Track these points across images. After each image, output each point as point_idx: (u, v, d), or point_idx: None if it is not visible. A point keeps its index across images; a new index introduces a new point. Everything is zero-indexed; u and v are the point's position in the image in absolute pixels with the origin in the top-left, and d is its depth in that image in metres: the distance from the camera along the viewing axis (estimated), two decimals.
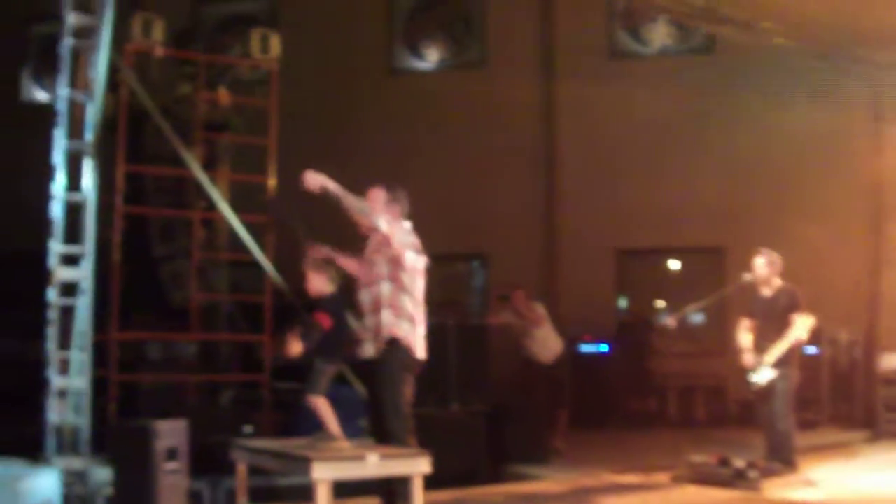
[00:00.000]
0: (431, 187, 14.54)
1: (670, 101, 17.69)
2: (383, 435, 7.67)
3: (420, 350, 7.93)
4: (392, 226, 7.72)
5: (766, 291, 10.62)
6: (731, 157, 17.64)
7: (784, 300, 10.44)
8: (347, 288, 8.22)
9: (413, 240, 7.95)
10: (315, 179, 7.53)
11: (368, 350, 7.84)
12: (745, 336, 10.66)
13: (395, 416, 7.67)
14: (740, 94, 17.40)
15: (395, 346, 7.74)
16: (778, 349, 10.22)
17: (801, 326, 10.21)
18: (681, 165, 17.77)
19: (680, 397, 17.20)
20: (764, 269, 10.59)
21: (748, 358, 10.48)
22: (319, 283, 8.18)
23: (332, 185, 7.55)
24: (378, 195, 7.97)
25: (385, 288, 7.78)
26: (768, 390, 10.35)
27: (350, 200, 7.58)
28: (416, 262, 7.89)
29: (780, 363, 10.25)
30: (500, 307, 13.42)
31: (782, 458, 10.34)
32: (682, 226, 17.61)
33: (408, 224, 8.02)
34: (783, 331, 10.27)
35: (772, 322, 10.43)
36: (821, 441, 13.66)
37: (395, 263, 7.77)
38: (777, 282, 10.59)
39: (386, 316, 7.74)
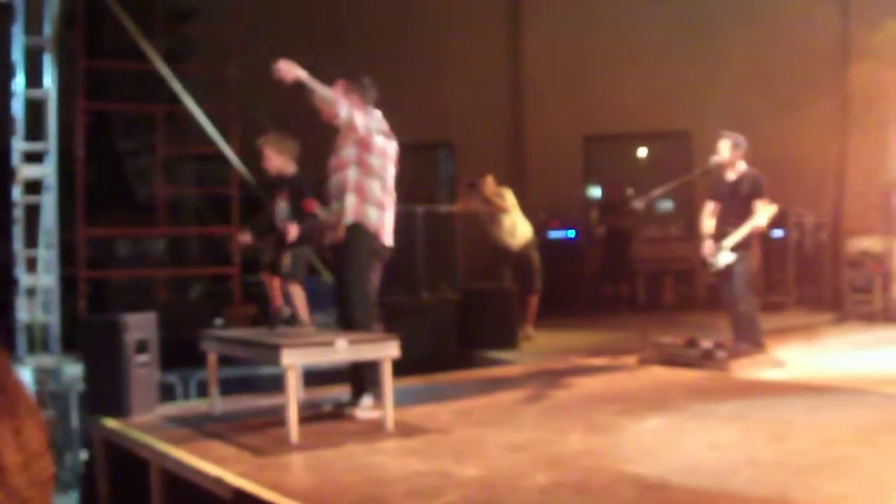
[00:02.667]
0: (396, 76, 14.41)
1: None
2: (348, 322, 7.66)
3: (388, 237, 7.86)
4: (353, 110, 7.59)
5: (731, 175, 10.60)
6: (697, 41, 17.55)
7: (747, 185, 10.43)
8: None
9: (383, 126, 7.86)
10: (288, 69, 7.30)
11: (334, 236, 7.77)
12: (708, 221, 10.68)
13: (359, 303, 7.66)
14: None
15: (359, 231, 7.68)
16: (737, 234, 10.26)
17: (762, 214, 10.24)
18: (647, 50, 17.67)
19: (648, 282, 17.32)
20: (728, 151, 10.54)
21: (707, 245, 10.52)
22: (279, 161, 8.05)
23: (303, 75, 7.36)
24: (336, 86, 7.78)
25: (351, 172, 7.69)
26: (727, 273, 10.42)
27: (320, 90, 7.42)
28: (385, 147, 7.82)
29: (738, 247, 10.30)
30: (468, 195, 13.41)
31: (750, 339, 10.44)
32: (649, 111, 17.55)
33: (377, 112, 7.90)
34: (745, 215, 10.30)
35: (734, 206, 10.44)
36: (788, 323, 13.80)
37: (362, 146, 7.68)
38: (742, 166, 10.55)
39: (350, 200, 7.66)
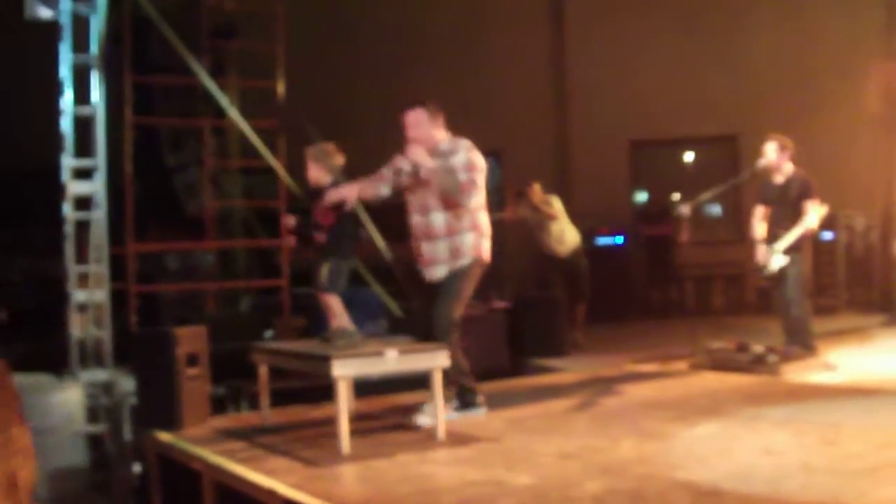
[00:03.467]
0: (442, 85, 14.43)
1: None
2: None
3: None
4: (473, 180, 7.64)
5: (779, 178, 10.50)
6: (744, 46, 17.48)
7: (796, 187, 10.31)
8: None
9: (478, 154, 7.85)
10: (425, 159, 7.53)
11: (440, 272, 7.81)
12: (758, 226, 10.58)
13: (447, 332, 7.60)
14: None
15: (478, 267, 7.86)
16: (789, 237, 10.16)
17: (813, 215, 10.13)
18: (693, 55, 17.63)
19: (698, 287, 17.23)
20: (774, 153, 10.43)
21: (760, 250, 10.44)
22: (316, 172, 7.93)
23: (430, 165, 7.54)
24: (420, 117, 7.71)
25: (465, 214, 7.72)
26: (780, 277, 10.34)
27: (446, 182, 7.56)
28: (483, 166, 7.80)
29: (790, 250, 10.21)
30: (516, 202, 13.40)
31: (801, 343, 10.36)
32: (696, 115, 17.50)
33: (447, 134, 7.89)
34: (795, 218, 10.19)
35: (784, 209, 10.33)
36: (838, 326, 13.68)
37: (471, 182, 7.66)
38: (789, 168, 10.45)
39: (469, 239, 7.75)
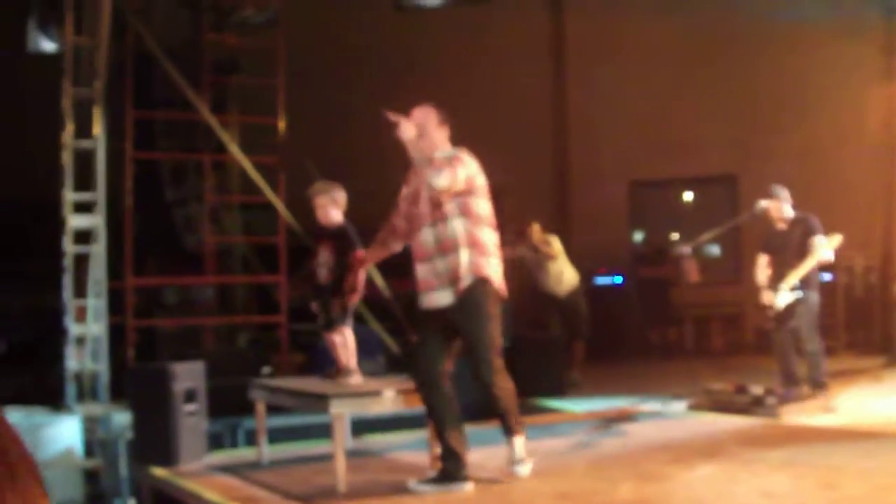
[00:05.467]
0: (451, 125, 14.42)
1: (680, 31, 17.59)
2: (486, 386, 6.96)
3: (504, 290, 7.08)
4: (456, 170, 6.78)
5: (781, 225, 10.55)
6: (741, 85, 17.53)
7: (799, 230, 10.36)
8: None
9: (476, 162, 7.08)
10: (405, 129, 6.84)
11: (442, 297, 6.89)
12: (762, 273, 10.61)
13: (490, 374, 6.87)
14: (751, 22, 17.28)
15: (485, 284, 6.85)
16: (799, 272, 10.16)
17: (827, 245, 10.12)
18: (691, 95, 17.67)
19: (696, 327, 17.22)
20: (775, 210, 10.51)
21: (766, 296, 10.44)
22: (328, 211, 7.82)
23: (411, 140, 6.86)
24: (429, 115, 7.14)
25: (457, 225, 6.84)
26: (786, 314, 10.33)
27: (419, 156, 6.87)
28: (485, 185, 7.07)
29: (800, 286, 10.20)
30: (515, 242, 13.40)
31: (814, 380, 10.37)
32: (694, 155, 17.53)
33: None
34: (802, 259, 10.21)
35: (789, 253, 10.35)
36: (838, 367, 13.64)
37: (465, 190, 6.87)
38: (790, 212, 10.50)
39: (465, 256, 6.77)
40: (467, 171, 6.87)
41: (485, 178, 7.05)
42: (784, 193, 10.54)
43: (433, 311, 6.98)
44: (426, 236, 6.92)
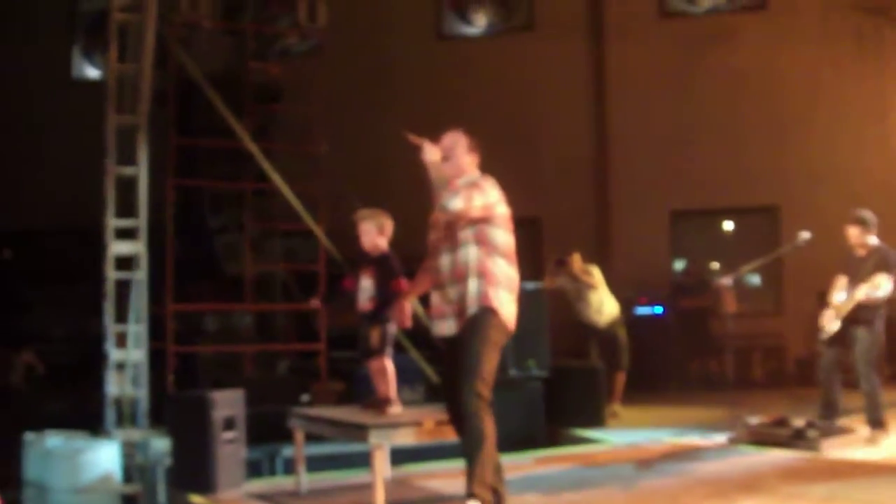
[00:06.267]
0: (485, 153, 14.44)
1: (720, 60, 17.56)
2: (459, 419, 6.42)
3: (513, 324, 6.70)
4: (472, 196, 6.51)
5: (861, 251, 10.34)
6: (781, 114, 17.45)
7: (874, 260, 10.15)
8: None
9: (498, 191, 6.77)
10: (429, 152, 6.64)
11: (448, 327, 6.60)
12: (835, 294, 10.39)
13: (470, 412, 6.29)
14: (790, 51, 17.24)
15: (491, 318, 6.47)
16: (849, 301, 10.02)
17: (882, 285, 9.96)
18: (732, 124, 17.61)
19: (737, 358, 17.07)
20: (856, 237, 10.31)
21: (826, 314, 10.25)
22: (375, 238, 7.79)
23: (435, 163, 6.65)
24: (459, 140, 6.91)
25: (470, 252, 6.57)
26: (836, 341, 10.19)
27: (439, 182, 6.59)
28: (507, 215, 6.75)
29: (862, 321, 10.04)
30: (555, 272, 13.36)
31: (872, 418, 10.19)
32: (736, 185, 17.45)
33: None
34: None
35: (859, 281, 10.19)
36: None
37: (482, 218, 6.58)
38: (873, 241, 10.31)
39: (473, 286, 6.50)
40: (486, 199, 6.57)
41: (507, 208, 6.76)
42: (869, 218, 10.34)
43: (446, 340, 6.67)
44: (442, 262, 6.69)
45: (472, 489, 6.17)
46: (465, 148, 6.87)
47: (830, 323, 10.17)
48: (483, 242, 6.57)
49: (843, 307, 10.09)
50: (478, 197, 6.53)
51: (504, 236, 6.67)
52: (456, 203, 6.45)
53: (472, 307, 6.47)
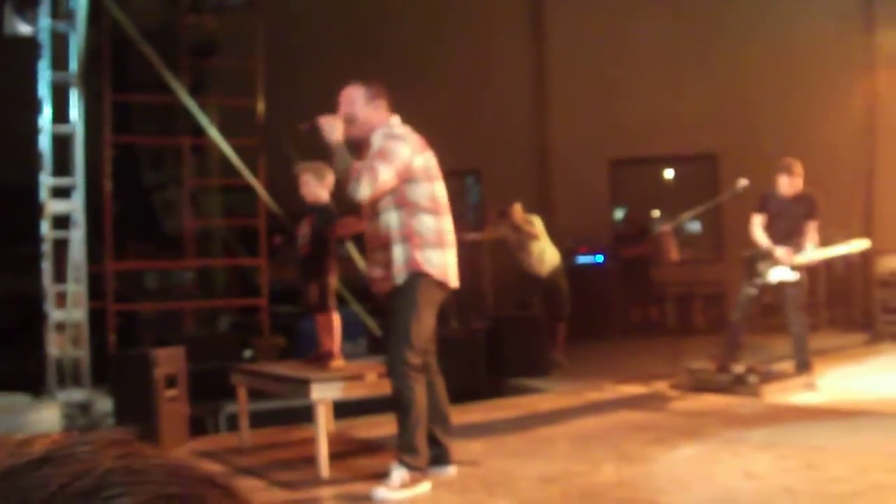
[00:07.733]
0: (421, 104, 14.39)
1: (661, 11, 17.57)
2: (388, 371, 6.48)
3: (454, 278, 6.61)
4: (380, 170, 6.28)
5: (787, 191, 10.38)
6: (720, 64, 17.49)
7: (804, 205, 10.25)
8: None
9: (414, 140, 6.55)
10: (330, 130, 6.37)
11: (383, 286, 6.58)
12: (761, 233, 10.43)
13: (396, 373, 6.33)
14: (734, 3, 17.31)
15: (420, 278, 6.38)
16: (812, 255, 10.12)
17: (853, 245, 10.23)
18: (670, 74, 17.64)
19: (678, 305, 17.22)
20: (786, 185, 10.38)
21: (780, 252, 10.24)
22: (314, 189, 7.69)
23: (339, 142, 6.39)
24: (357, 94, 6.59)
25: (392, 217, 6.44)
26: (777, 290, 10.34)
27: (343, 164, 6.39)
28: (427, 165, 6.54)
29: (795, 267, 10.17)
30: (496, 222, 13.38)
31: (799, 360, 10.37)
32: (675, 134, 17.50)
33: (396, 119, 6.68)
34: (795, 235, 10.15)
35: (786, 224, 10.23)
36: (820, 345, 13.63)
37: (400, 178, 6.38)
38: (799, 184, 10.39)
39: (399, 253, 6.38)
40: (397, 163, 6.34)
41: (428, 155, 6.58)
42: (797, 168, 10.40)
43: (385, 296, 6.65)
44: (370, 227, 6.64)
45: (399, 456, 6.30)
46: (366, 99, 6.60)
47: (772, 271, 10.26)
48: (404, 204, 6.42)
49: (803, 258, 10.16)
50: (384, 169, 6.30)
51: (426, 189, 6.48)
52: (363, 192, 6.29)
53: (399, 275, 6.39)
